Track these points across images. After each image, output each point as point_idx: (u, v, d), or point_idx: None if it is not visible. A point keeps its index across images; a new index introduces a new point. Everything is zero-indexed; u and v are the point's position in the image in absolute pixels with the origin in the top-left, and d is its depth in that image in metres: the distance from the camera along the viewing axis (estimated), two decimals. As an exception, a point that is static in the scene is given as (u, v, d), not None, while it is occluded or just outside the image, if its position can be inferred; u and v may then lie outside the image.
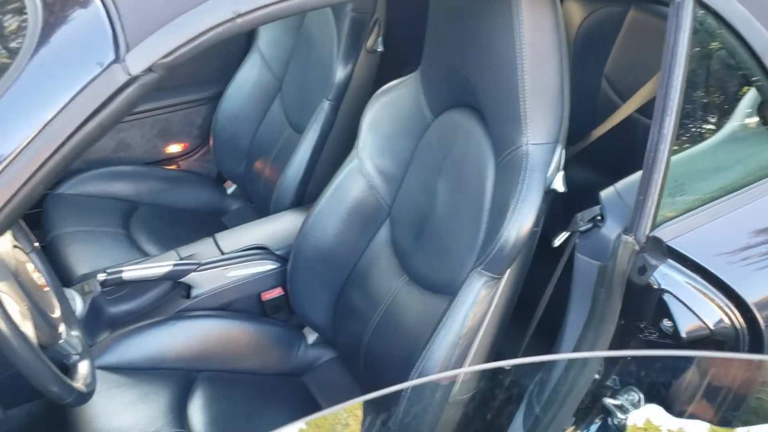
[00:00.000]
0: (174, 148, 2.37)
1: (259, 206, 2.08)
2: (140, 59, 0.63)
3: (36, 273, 1.08)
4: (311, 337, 1.65)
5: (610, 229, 1.02)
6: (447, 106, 1.31)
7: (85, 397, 1.03)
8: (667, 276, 0.97)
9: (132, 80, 0.64)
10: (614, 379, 0.87)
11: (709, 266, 0.96)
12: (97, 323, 1.53)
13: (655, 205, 0.96)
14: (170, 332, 1.52)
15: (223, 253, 1.62)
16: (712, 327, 0.97)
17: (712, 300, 0.97)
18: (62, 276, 1.77)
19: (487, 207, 1.19)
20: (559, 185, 1.10)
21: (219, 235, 1.69)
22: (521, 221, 1.09)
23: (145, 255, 1.82)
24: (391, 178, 1.45)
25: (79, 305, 1.51)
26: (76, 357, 1.14)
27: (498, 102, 1.15)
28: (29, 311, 0.96)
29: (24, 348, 0.88)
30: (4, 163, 0.61)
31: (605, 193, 1.08)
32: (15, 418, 1.48)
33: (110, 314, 1.55)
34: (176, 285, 1.58)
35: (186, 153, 2.40)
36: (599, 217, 1.05)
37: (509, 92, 1.10)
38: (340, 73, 1.74)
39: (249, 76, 2.14)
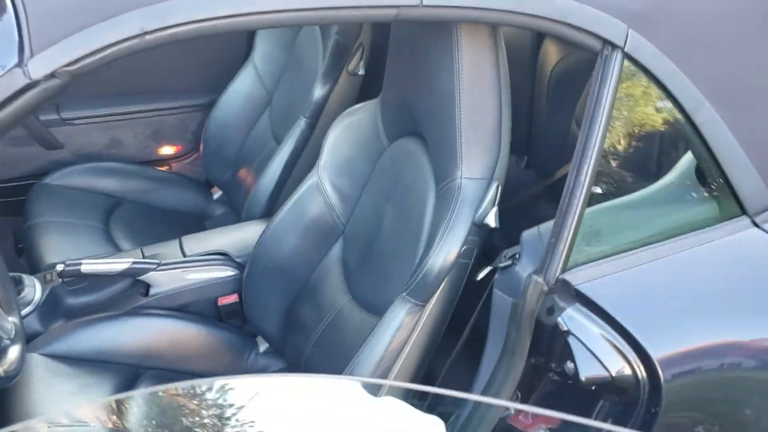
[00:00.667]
0: (167, 150, 2.43)
1: (239, 214, 2.12)
2: (42, 65, 0.67)
3: None
4: (263, 345, 1.68)
5: (524, 268, 1.05)
6: (400, 133, 1.34)
7: (3, 380, 1.07)
8: (573, 319, 0.99)
9: (32, 84, 0.68)
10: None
11: (616, 315, 0.98)
12: (54, 312, 1.57)
13: (567, 248, 0.98)
14: (122, 327, 1.56)
15: (185, 256, 1.67)
16: (613, 374, 0.98)
17: (616, 348, 0.98)
18: (33, 264, 1.83)
19: (425, 235, 1.22)
20: (491, 220, 1.13)
21: (185, 238, 1.73)
22: (446, 251, 1.11)
23: (118, 251, 1.87)
24: (347, 198, 1.48)
25: (37, 293, 1.56)
26: (7, 342, 1.18)
27: (438, 134, 1.18)
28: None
29: None
30: None
31: (527, 233, 1.10)
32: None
33: (67, 304, 1.59)
34: (136, 282, 1.62)
35: (178, 156, 2.46)
36: (517, 255, 1.08)
37: (448, 126, 1.13)
38: (318, 92, 1.79)
39: (242, 87, 2.19)
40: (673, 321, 1.01)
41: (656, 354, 0.98)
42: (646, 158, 1.13)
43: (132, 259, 1.59)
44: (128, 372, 1.51)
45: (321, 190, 1.49)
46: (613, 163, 1.05)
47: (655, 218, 1.10)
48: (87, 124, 2.26)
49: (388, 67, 1.34)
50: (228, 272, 1.66)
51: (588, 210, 0.99)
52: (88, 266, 1.54)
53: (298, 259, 1.54)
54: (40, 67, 0.67)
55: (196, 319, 1.63)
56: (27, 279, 1.59)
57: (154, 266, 1.60)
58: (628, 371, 0.98)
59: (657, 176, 1.11)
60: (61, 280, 1.56)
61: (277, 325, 1.59)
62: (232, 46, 2.24)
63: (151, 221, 2.11)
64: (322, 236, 1.52)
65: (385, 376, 1.18)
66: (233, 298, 1.67)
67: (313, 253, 1.53)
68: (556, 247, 0.98)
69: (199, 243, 1.72)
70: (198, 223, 2.20)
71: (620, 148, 1.05)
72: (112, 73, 2.18)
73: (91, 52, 0.69)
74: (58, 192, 2.08)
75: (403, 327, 1.16)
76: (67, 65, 0.68)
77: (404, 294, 1.17)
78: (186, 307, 1.65)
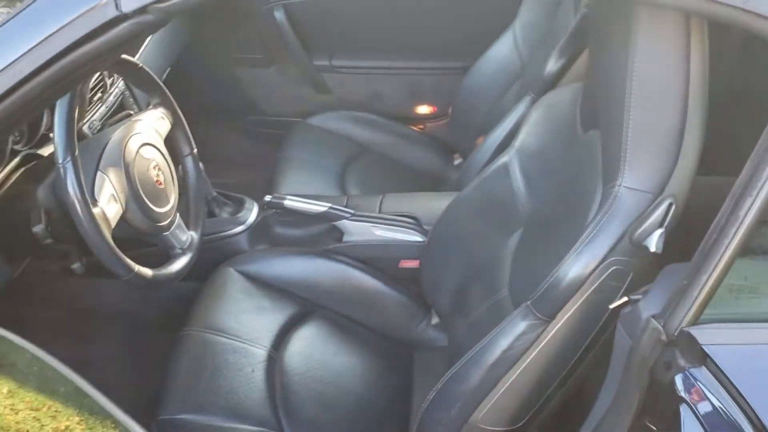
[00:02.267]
0: (423, 110, 2.49)
1: (462, 183, 2.09)
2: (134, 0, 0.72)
3: (155, 170, 1.30)
4: (435, 318, 1.65)
5: (647, 307, 0.84)
6: (590, 125, 1.17)
7: (146, 281, 1.22)
8: (694, 385, 0.77)
9: (123, 17, 0.74)
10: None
11: (751, 397, 0.74)
12: (261, 237, 1.75)
13: (703, 297, 0.76)
14: (311, 264, 1.66)
15: (380, 212, 1.70)
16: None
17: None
18: (266, 190, 2.04)
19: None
20: (653, 244, 0.93)
21: (387, 196, 1.77)
22: (580, 264, 0.96)
23: (343, 195, 1.99)
24: (534, 186, 1.35)
25: (252, 216, 1.75)
26: (178, 251, 1.35)
27: (608, 131, 1.01)
28: (125, 196, 1.17)
29: (88, 220, 1.08)
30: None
31: (671, 267, 0.88)
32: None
33: (274, 233, 1.75)
34: (333, 228, 1.71)
35: (433, 117, 2.50)
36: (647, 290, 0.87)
37: (616, 123, 0.95)
38: (550, 65, 1.64)
39: (498, 54, 2.12)
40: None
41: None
42: None
43: (330, 205, 1.67)
44: (303, 306, 1.61)
45: (510, 172, 1.38)
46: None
47: None
48: (353, 74, 2.41)
49: (589, 50, 1.17)
50: (414, 237, 1.66)
51: (748, 259, 0.76)
52: (290, 202, 1.67)
53: (475, 239, 1.47)
54: (131, 1, 0.72)
55: (377, 274, 1.67)
56: (248, 203, 1.78)
57: (348, 215, 1.67)
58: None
59: None
60: (272, 211, 1.72)
61: (447, 301, 1.54)
62: (495, 10, 2.16)
63: (386, 175, 2.20)
64: (503, 221, 1.41)
65: (493, 383, 1.08)
66: (414, 264, 1.66)
67: (492, 236, 1.44)
68: (687, 292, 0.77)
69: (397, 203, 1.74)
70: (431, 185, 2.22)
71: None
72: (378, 27, 2.31)
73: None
74: (313, 132, 2.28)
75: (519, 338, 1.03)
76: (158, 1, 0.72)
77: (529, 302, 1.04)
78: (371, 260, 1.69)
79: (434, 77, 2.39)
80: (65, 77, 0.74)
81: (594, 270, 0.95)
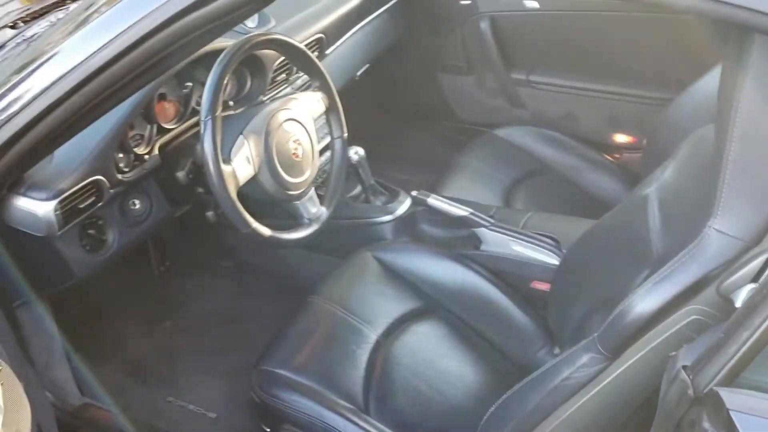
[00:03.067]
0: (620, 138, 2.35)
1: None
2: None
3: (295, 144, 1.41)
4: (558, 348, 1.58)
5: (683, 357, 0.74)
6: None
7: (263, 238, 1.34)
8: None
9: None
10: None
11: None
12: (404, 229, 1.81)
13: (741, 355, 0.66)
14: (443, 265, 1.68)
15: (521, 228, 1.67)
16: None
17: None
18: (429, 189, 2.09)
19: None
20: (739, 299, 0.82)
21: (534, 214, 1.72)
22: (647, 299, 0.88)
23: (507, 207, 1.98)
24: (671, 225, 1.24)
25: (402, 208, 1.82)
26: (305, 221, 1.46)
27: (715, 169, 0.90)
28: (259, 161, 1.31)
29: (216, 174, 1.22)
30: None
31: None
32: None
33: (417, 228, 1.80)
34: (473, 234, 1.71)
35: (631, 147, 2.35)
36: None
37: (717, 155, 0.85)
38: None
39: (703, 89, 1.93)
40: None
41: None
42: None
43: (471, 210, 1.68)
44: (426, 303, 1.64)
45: (648, 206, 1.28)
46: None
47: None
48: (549, 91, 2.36)
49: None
50: (550, 258, 1.60)
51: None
52: (433, 201, 1.71)
53: (605, 270, 1.37)
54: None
55: (507, 290, 1.64)
56: (402, 195, 1.86)
57: (487, 224, 1.67)
58: None
59: None
60: (419, 207, 1.78)
61: (569, 331, 1.47)
62: (706, 41, 1.97)
63: (559, 197, 2.12)
64: (634, 257, 1.30)
65: (548, 411, 1.02)
66: (546, 286, 1.60)
67: (621, 270, 1.33)
68: (723, 348, 0.67)
69: (541, 222, 1.69)
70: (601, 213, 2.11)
71: None
72: (581, 47, 2.23)
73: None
74: (496, 143, 2.28)
75: (579, 370, 0.97)
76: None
77: (596, 334, 0.97)
78: (503, 274, 1.66)
79: (636, 106, 2.24)
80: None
81: (663, 309, 0.86)
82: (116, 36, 0.90)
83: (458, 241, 1.76)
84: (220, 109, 1.25)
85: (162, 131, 1.47)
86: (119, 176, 1.36)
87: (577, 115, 2.36)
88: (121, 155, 1.38)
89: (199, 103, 1.58)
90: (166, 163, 1.47)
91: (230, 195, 1.26)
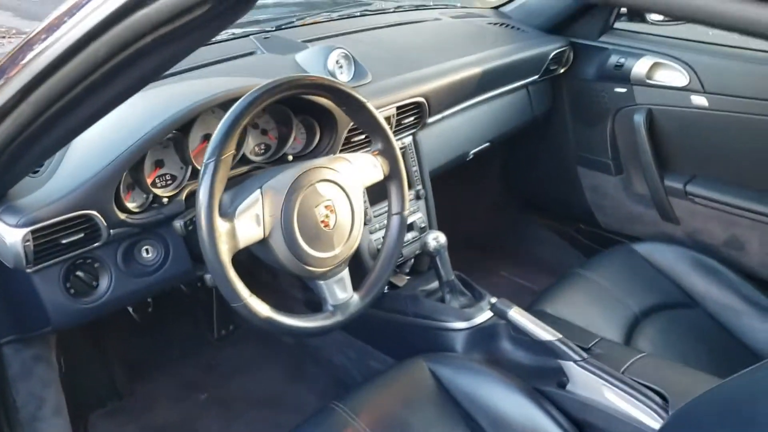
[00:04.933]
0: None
1: None
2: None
3: (326, 210, 1.14)
4: None
5: None
6: None
7: (256, 318, 1.07)
8: None
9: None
10: None
11: None
12: (481, 343, 1.46)
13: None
14: (513, 398, 1.31)
15: (623, 371, 1.25)
16: None
17: None
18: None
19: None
20: None
21: (647, 357, 1.30)
22: None
23: (625, 339, 1.57)
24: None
25: (483, 316, 1.49)
26: (329, 308, 1.17)
27: None
28: (272, 221, 1.06)
29: (207, 228, 0.99)
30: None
31: None
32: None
33: (496, 345, 1.45)
34: (560, 368, 1.33)
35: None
36: None
37: None
38: None
39: None
40: None
41: None
42: None
43: (560, 336, 1.30)
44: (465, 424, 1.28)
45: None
46: None
47: None
48: (710, 207, 1.91)
49: None
50: (649, 420, 1.17)
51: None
52: (515, 315, 1.35)
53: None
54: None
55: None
56: (486, 299, 1.53)
57: (578, 357, 1.27)
58: None
59: None
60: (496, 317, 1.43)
61: None
62: None
63: (698, 341, 1.65)
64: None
65: None
66: (640, 454, 1.17)
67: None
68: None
69: (653, 367, 1.26)
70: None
71: None
72: (751, 159, 1.77)
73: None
74: (633, 260, 1.85)
75: None
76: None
77: None
78: (585, 427, 1.25)
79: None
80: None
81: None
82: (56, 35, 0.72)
83: (540, 372, 1.38)
84: (230, 152, 1.03)
85: (197, 175, 1.28)
86: (123, 216, 1.17)
87: (745, 242, 1.88)
88: (133, 193, 1.21)
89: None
90: (191, 211, 1.26)
91: (220, 257, 1.02)
